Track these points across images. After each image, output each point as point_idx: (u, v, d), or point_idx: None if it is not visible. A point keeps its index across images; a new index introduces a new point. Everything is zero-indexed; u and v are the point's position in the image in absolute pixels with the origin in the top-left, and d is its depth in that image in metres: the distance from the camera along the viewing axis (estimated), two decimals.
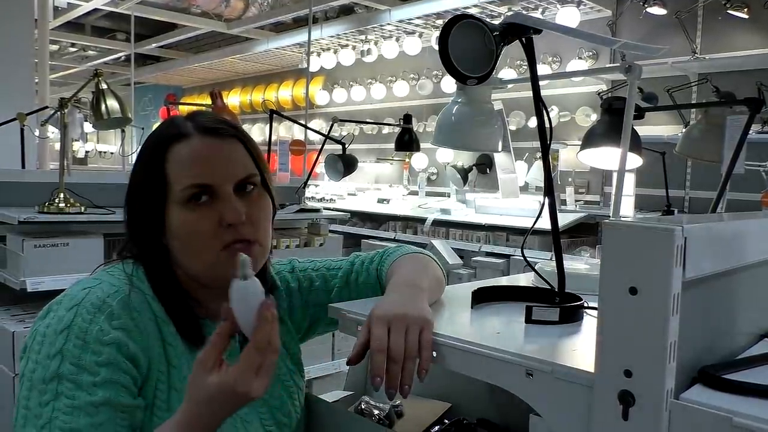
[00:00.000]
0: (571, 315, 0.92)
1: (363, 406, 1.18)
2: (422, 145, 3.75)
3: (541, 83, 1.03)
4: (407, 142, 3.49)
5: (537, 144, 1.04)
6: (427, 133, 5.56)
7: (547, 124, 1.00)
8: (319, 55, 6.62)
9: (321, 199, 5.94)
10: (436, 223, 4.84)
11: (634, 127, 1.25)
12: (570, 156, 4.65)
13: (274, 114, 3.52)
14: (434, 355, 0.83)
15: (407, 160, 6.13)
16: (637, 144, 1.42)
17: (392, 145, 3.86)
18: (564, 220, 4.08)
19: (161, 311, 0.88)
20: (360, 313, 0.91)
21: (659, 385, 0.61)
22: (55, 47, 8.06)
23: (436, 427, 1.19)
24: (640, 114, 1.37)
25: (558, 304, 0.95)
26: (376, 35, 6.01)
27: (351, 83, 6.78)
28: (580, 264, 1.33)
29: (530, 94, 1.02)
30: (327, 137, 3.38)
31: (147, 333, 0.84)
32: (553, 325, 0.90)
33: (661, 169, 3.30)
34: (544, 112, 1.01)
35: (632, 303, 0.63)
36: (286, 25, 6.69)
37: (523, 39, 1.02)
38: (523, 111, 5.19)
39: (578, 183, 4.84)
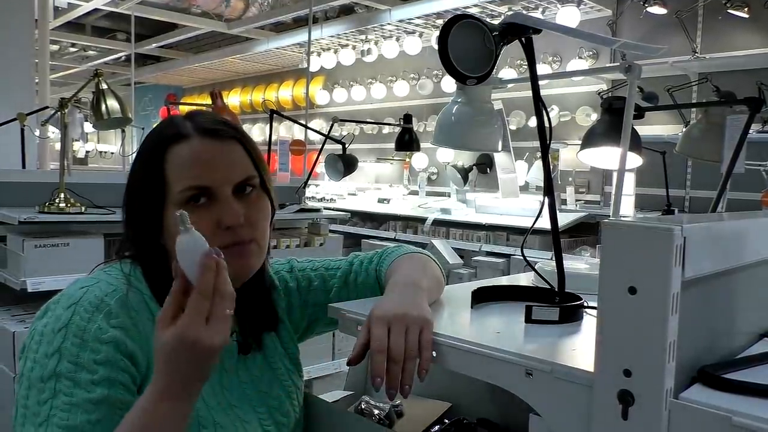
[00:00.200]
0: (571, 315, 0.92)
1: (363, 406, 1.18)
2: (422, 145, 3.75)
3: (541, 83, 1.03)
4: (407, 141, 3.50)
5: (537, 143, 1.04)
6: (428, 133, 5.56)
7: (546, 124, 1.00)
8: (319, 54, 6.62)
9: (321, 199, 5.94)
10: (437, 222, 4.84)
11: (634, 127, 1.25)
12: (570, 155, 4.65)
13: (274, 114, 3.52)
14: (434, 355, 0.83)
15: (407, 159, 6.13)
16: (637, 143, 1.42)
17: (392, 145, 3.86)
18: (564, 219, 4.08)
19: (159, 311, 0.88)
20: (360, 313, 0.91)
21: (659, 384, 0.61)
22: (55, 47, 8.06)
23: (436, 427, 1.19)
24: (640, 113, 1.37)
25: (558, 304, 0.95)
26: (377, 35, 6.01)
27: (351, 83, 6.78)
28: (580, 264, 1.33)
29: (530, 93, 1.02)
30: (327, 137, 3.38)
31: (145, 332, 0.84)
32: (553, 324, 0.90)
33: (661, 168, 3.30)
34: (544, 112, 1.01)
35: (632, 303, 0.63)
36: (286, 25, 6.69)
37: (523, 39, 1.02)
38: (523, 111, 5.19)
39: (578, 182, 4.83)
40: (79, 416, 0.75)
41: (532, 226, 1.07)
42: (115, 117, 2.81)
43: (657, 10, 4.22)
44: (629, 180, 3.65)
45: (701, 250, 0.66)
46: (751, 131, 1.54)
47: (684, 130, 2.24)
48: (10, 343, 2.06)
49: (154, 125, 0.97)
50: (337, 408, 1.15)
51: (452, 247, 4.23)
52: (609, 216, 1.12)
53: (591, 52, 4.90)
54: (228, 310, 0.72)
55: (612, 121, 1.42)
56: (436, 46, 1.04)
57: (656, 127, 4.17)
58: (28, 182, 2.57)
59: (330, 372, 2.75)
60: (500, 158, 4.76)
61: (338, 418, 1.07)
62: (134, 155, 0.95)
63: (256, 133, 7.84)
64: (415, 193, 5.95)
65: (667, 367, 0.61)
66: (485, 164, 5.24)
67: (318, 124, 6.91)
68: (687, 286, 0.63)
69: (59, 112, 2.53)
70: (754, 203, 3.23)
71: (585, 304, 0.94)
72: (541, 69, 4.70)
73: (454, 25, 0.97)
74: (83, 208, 2.39)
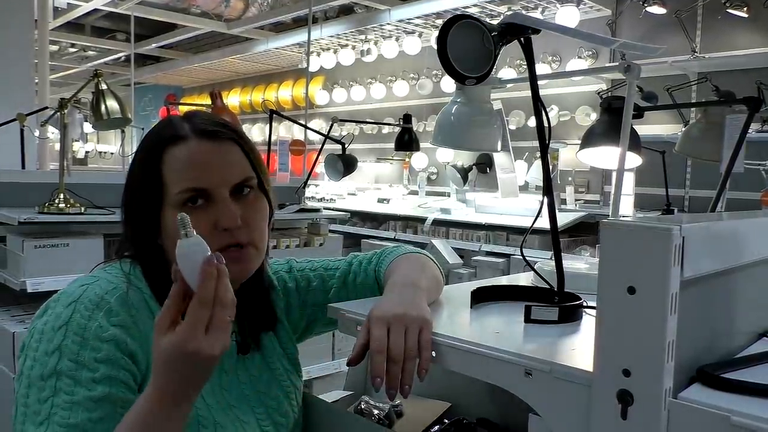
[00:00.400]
0: (570, 314, 0.92)
1: (363, 406, 1.18)
2: (422, 145, 3.75)
3: (540, 82, 1.03)
4: (407, 141, 3.50)
5: (536, 143, 1.04)
6: (427, 133, 5.56)
7: (546, 124, 1.00)
8: (318, 55, 6.62)
9: (321, 199, 5.94)
10: (436, 222, 4.84)
11: (634, 127, 1.25)
12: (570, 155, 4.65)
13: (273, 114, 3.53)
14: (434, 355, 0.83)
15: (407, 159, 6.12)
16: (636, 143, 1.42)
17: (392, 145, 3.86)
18: (564, 219, 4.08)
19: (159, 309, 0.88)
20: (359, 313, 0.91)
21: (658, 384, 0.62)
22: (55, 47, 8.06)
23: (436, 427, 1.19)
24: (639, 113, 1.37)
25: (557, 304, 0.95)
26: (376, 35, 6.01)
27: (351, 83, 6.78)
28: (580, 263, 1.33)
29: (530, 93, 1.02)
30: (327, 137, 3.38)
31: (145, 330, 0.84)
32: (552, 324, 0.90)
33: (660, 168, 3.30)
34: (543, 111, 1.01)
35: (630, 302, 0.63)
36: (286, 25, 6.69)
37: (522, 39, 1.02)
38: (523, 110, 5.19)
39: (578, 182, 4.83)
40: (80, 414, 0.75)
41: (531, 226, 1.08)
42: (114, 117, 2.81)
43: (656, 9, 4.22)
44: (629, 180, 3.65)
45: (700, 249, 0.66)
46: (750, 131, 1.54)
47: (683, 129, 2.24)
48: (9, 343, 2.06)
49: (153, 125, 0.97)
50: (336, 408, 1.15)
51: (452, 247, 4.23)
52: (608, 216, 1.12)
53: (590, 52, 4.90)
54: (228, 317, 0.72)
55: (611, 120, 1.42)
56: (435, 46, 1.04)
57: (656, 127, 4.17)
58: (27, 183, 2.57)
59: (330, 372, 2.75)
60: (500, 158, 4.76)
61: (338, 418, 1.07)
62: (133, 156, 0.95)
63: (256, 133, 7.84)
64: (414, 193, 5.95)
65: (666, 366, 0.62)
66: (485, 164, 5.24)
67: (318, 124, 6.92)
68: (686, 285, 0.63)
69: (59, 113, 2.53)
70: (754, 203, 3.23)
71: (584, 304, 0.94)
72: (541, 69, 4.70)
73: (453, 25, 0.97)
74: (83, 209, 2.39)
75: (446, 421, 1.20)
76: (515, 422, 1.13)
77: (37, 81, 5.36)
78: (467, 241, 4.58)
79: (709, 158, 1.93)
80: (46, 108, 3.93)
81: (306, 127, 3.92)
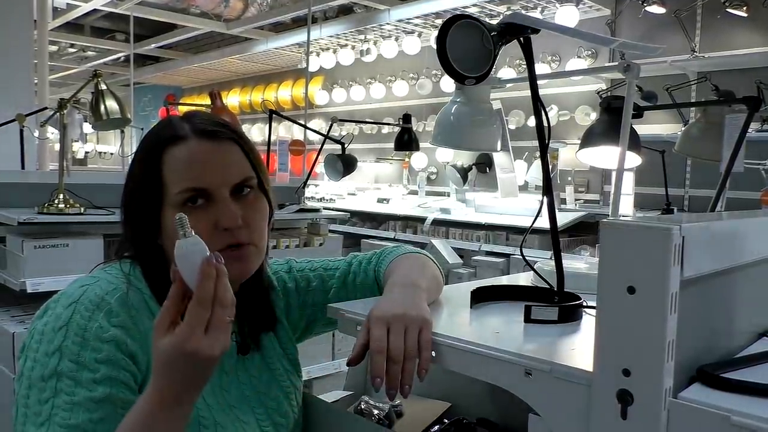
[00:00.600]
0: (570, 314, 0.92)
1: (363, 406, 1.18)
2: (422, 145, 3.75)
3: (540, 82, 1.03)
4: (407, 141, 3.50)
5: (536, 143, 1.04)
6: (427, 133, 5.55)
7: (545, 124, 1.00)
8: (318, 55, 6.62)
9: (321, 199, 5.94)
10: (436, 222, 4.84)
11: (633, 126, 1.25)
12: (569, 155, 4.64)
13: (273, 114, 3.52)
14: (433, 354, 0.83)
15: (407, 159, 6.12)
16: (636, 143, 1.42)
17: (392, 145, 3.86)
18: (564, 219, 4.07)
19: (159, 310, 0.87)
20: (359, 313, 0.91)
21: (657, 384, 0.62)
22: (54, 48, 8.05)
23: (436, 427, 1.19)
24: (639, 113, 1.37)
25: (557, 304, 0.95)
26: (375, 35, 6.01)
27: (350, 83, 6.77)
28: (580, 263, 1.33)
29: (529, 93, 1.02)
30: (326, 137, 3.38)
31: (145, 331, 0.84)
32: (552, 324, 0.90)
33: (660, 167, 3.30)
34: (543, 111, 1.01)
35: (630, 302, 0.63)
36: (286, 25, 6.69)
37: (521, 38, 1.02)
38: (523, 110, 5.19)
39: (578, 182, 4.83)
40: (81, 415, 0.75)
41: (531, 226, 1.08)
42: (114, 117, 2.81)
43: (656, 9, 4.21)
44: (628, 179, 3.64)
45: (700, 249, 0.66)
46: (750, 130, 1.54)
47: (683, 129, 2.24)
48: (9, 343, 2.06)
49: (152, 126, 0.97)
50: (336, 408, 1.15)
51: (452, 247, 4.23)
52: (608, 215, 1.12)
53: (590, 52, 4.90)
54: (228, 317, 0.71)
55: (611, 120, 1.42)
56: (434, 46, 1.04)
57: (655, 127, 4.17)
58: (27, 183, 2.57)
59: (330, 372, 2.76)
60: (499, 158, 4.76)
61: (338, 418, 1.07)
62: (132, 156, 0.95)
63: (256, 133, 7.84)
64: (414, 192, 5.95)
65: (665, 366, 0.62)
66: (484, 164, 5.24)
67: (317, 124, 6.91)
68: (686, 285, 0.63)
69: (58, 113, 2.52)
70: (753, 202, 3.23)
71: (584, 304, 0.94)
72: (540, 68, 4.70)
73: (453, 24, 0.97)
74: (82, 209, 2.39)
75: (446, 421, 1.20)
76: (515, 422, 1.13)
77: (36, 81, 5.36)
78: (467, 241, 4.58)
79: (708, 158, 1.93)
80: (46, 108, 3.93)
81: (306, 127, 3.91)
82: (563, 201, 4.63)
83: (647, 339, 0.62)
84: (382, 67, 6.39)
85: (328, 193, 6.28)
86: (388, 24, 5.55)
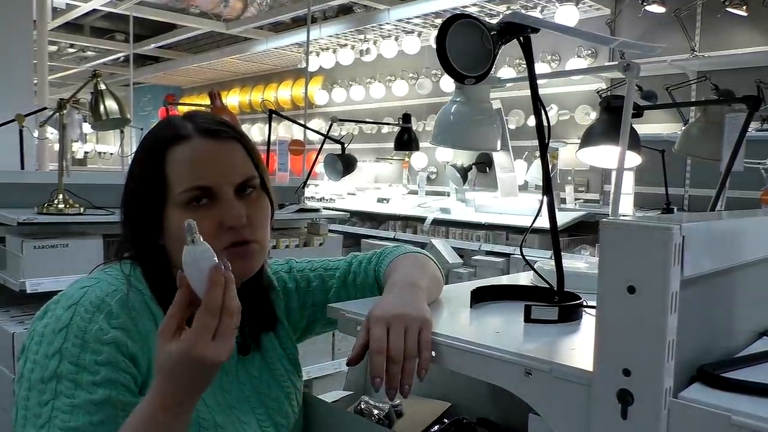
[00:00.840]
0: (570, 314, 0.92)
1: (363, 406, 1.18)
2: (421, 145, 3.75)
3: (540, 81, 1.03)
4: (406, 141, 3.50)
5: (536, 143, 1.04)
6: (427, 133, 5.55)
7: (545, 123, 1.00)
8: (318, 54, 6.62)
9: (321, 199, 5.93)
10: (436, 222, 4.84)
11: (633, 126, 1.25)
12: (569, 154, 4.64)
13: (273, 114, 3.52)
14: (433, 354, 0.83)
15: (407, 159, 6.12)
16: (636, 142, 1.42)
17: (391, 145, 3.86)
18: (564, 218, 4.07)
19: (160, 311, 0.87)
20: (359, 313, 0.91)
21: (658, 383, 0.61)
22: (53, 48, 8.05)
23: (436, 427, 1.19)
24: (639, 112, 1.37)
25: (557, 303, 0.95)
26: (375, 35, 6.01)
27: (350, 83, 6.77)
28: (580, 263, 1.33)
29: (529, 92, 1.02)
30: (326, 137, 3.38)
31: (146, 333, 0.84)
32: (552, 324, 0.90)
33: (660, 167, 3.30)
34: (543, 111, 1.01)
35: (630, 302, 0.63)
36: (285, 25, 6.69)
37: (521, 38, 1.02)
38: (523, 109, 5.18)
39: (578, 181, 4.83)
40: (81, 417, 0.75)
41: (531, 226, 1.07)
42: (113, 118, 2.81)
43: (655, 8, 4.21)
44: (628, 179, 3.64)
45: (700, 248, 0.66)
46: (750, 129, 1.54)
47: (683, 128, 2.24)
48: (9, 344, 2.06)
49: (152, 126, 0.97)
50: (336, 408, 1.15)
51: (452, 247, 4.23)
52: (608, 215, 1.12)
53: (590, 51, 4.89)
54: (234, 325, 0.72)
55: (611, 119, 1.42)
56: (434, 46, 1.04)
57: (655, 126, 4.17)
58: (26, 183, 2.57)
59: (330, 372, 2.75)
60: (499, 157, 4.75)
61: (338, 418, 1.07)
62: (132, 156, 0.95)
63: (255, 133, 7.84)
64: (414, 192, 5.95)
65: (666, 366, 0.61)
66: (484, 163, 5.24)
67: (317, 123, 6.91)
68: (686, 285, 0.63)
69: (58, 113, 2.52)
70: (753, 202, 3.22)
71: (584, 304, 0.94)
72: (540, 68, 4.69)
73: (453, 24, 0.97)
74: (82, 209, 2.39)
75: (446, 421, 1.20)
76: (515, 422, 1.13)
77: (35, 81, 5.35)
78: (467, 240, 4.58)
79: (708, 157, 1.93)
80: (45, 108, 3.93)
81: (305, 127, 3.91)
82: (563, 200, 4.63)
83: (647, 339, 0.62)
84: (382, 66, 6.38)
85: (327, 192, 6.28)
86: (387, 24, 5.55)
